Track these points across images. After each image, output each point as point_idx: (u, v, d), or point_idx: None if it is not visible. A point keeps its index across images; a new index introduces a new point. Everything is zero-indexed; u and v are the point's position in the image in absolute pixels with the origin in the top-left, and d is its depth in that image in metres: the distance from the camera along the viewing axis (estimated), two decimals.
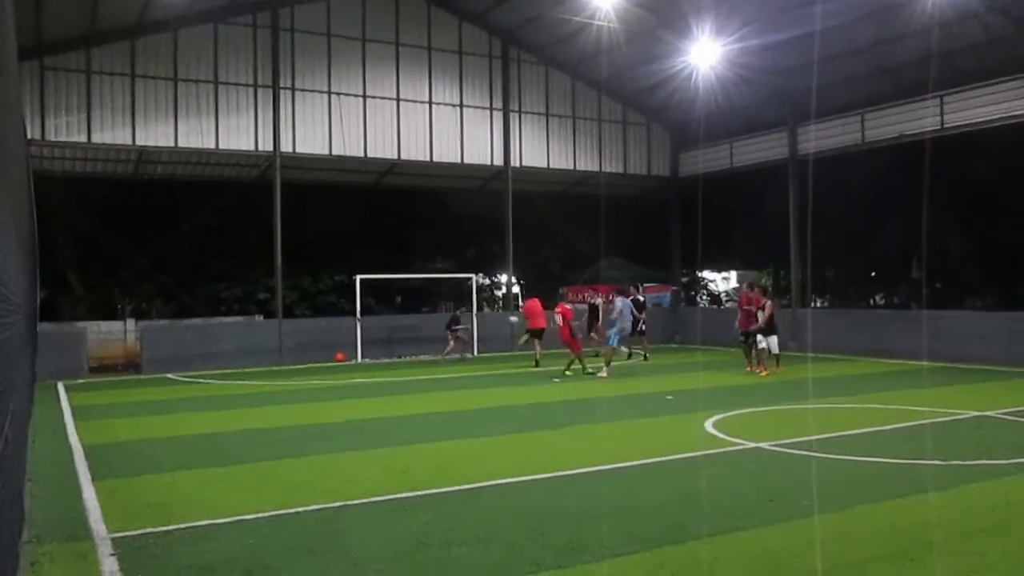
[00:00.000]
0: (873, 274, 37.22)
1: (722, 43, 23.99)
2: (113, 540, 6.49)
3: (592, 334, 23.06)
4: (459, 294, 32.47)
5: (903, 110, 24.16)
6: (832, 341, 23.32)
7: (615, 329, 18.55)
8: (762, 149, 28.92)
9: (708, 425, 11.53)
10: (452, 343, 24.80)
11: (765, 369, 18.32)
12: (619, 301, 18.86)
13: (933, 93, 22.53)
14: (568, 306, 21.02)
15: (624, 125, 31.11)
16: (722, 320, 25.16)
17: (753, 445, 10.07)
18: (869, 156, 25.90)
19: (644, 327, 22.62)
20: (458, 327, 25.11)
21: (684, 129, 30.96)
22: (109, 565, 5.88)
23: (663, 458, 9.41)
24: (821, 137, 26.34)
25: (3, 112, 4.86)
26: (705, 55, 24.59)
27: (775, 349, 18.46)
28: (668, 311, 31.61)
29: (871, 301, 37.46)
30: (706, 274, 43.00)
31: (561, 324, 19.69)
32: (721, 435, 10.80)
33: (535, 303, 21.82)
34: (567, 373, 18.85)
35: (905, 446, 9.94)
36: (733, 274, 45.54)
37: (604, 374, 18.29)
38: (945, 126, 22.87)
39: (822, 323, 25.67)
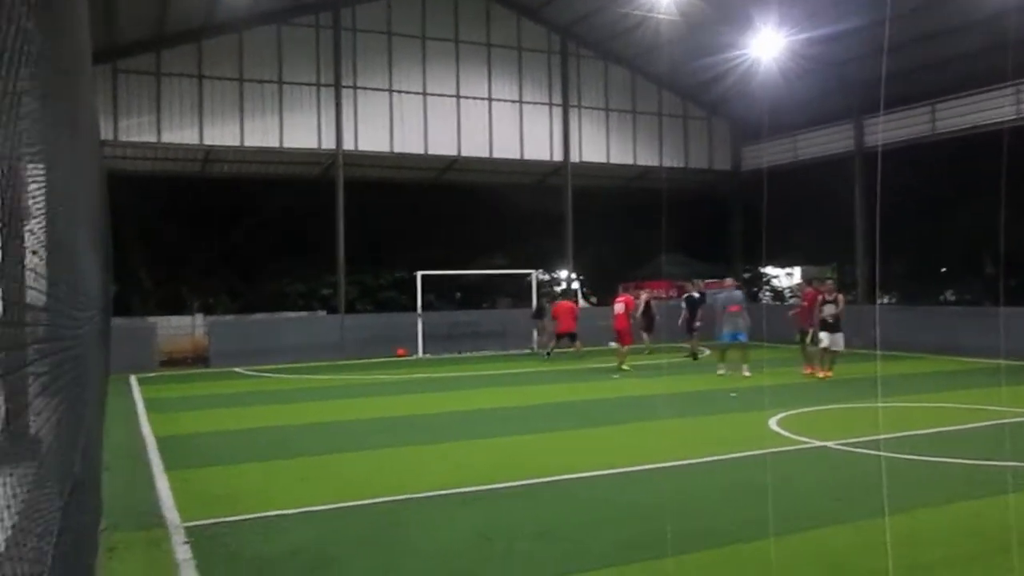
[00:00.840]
0: (944, 270, 36.14)
1: (785, 34, 23.56)
2: (186, 529, 6.68)
3: (644, 333, 22.72)
4: (518, 290, 32.47)
5: (976, 100, 23.41)
6: (900, 338, 22.65)
7: (730, 326, 17.37)
8: (826, 142, 28.33)
9: (773, 423, 11.35)
10: (539, 334, 24.88)
11: (825, 370, 16.93)
12: (727, 293, 17.90)
13: (1009, 82, 21.78)
14: (631, 296, 20.96)
15: (685, 119, 30.77)
16: (785, 316, 24.69)
17: (819, 444, 9.89)
18: (939, 148, 25.16)
19: (699, 324, 21.22)
20: (544, 318, 24.95)
21: (746, 122, 30.48)
22: (183, 553, 6.05)
23: (727, 456, 9.30)
24: (888, 129, 25.66)
25: (80, 115, 5.03)
26: (767, 46, 24.18)
27: (840, 346, 16.91)
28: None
29: (941, 297, 36.36)
30: (769, 270, 42.24)
31: (621, 312, 19.58)
32: (786, 433, 10.63)
33: (566, 305, 21.93)
34: (623, 368, 18.73)
35: (978, 446, 9.64)
36: (797, 270, 44.65)
37: (747, 372, 17.11)
38: (1022, 115, 22.08)
39: (889, 319, 24.96)
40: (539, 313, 25.41)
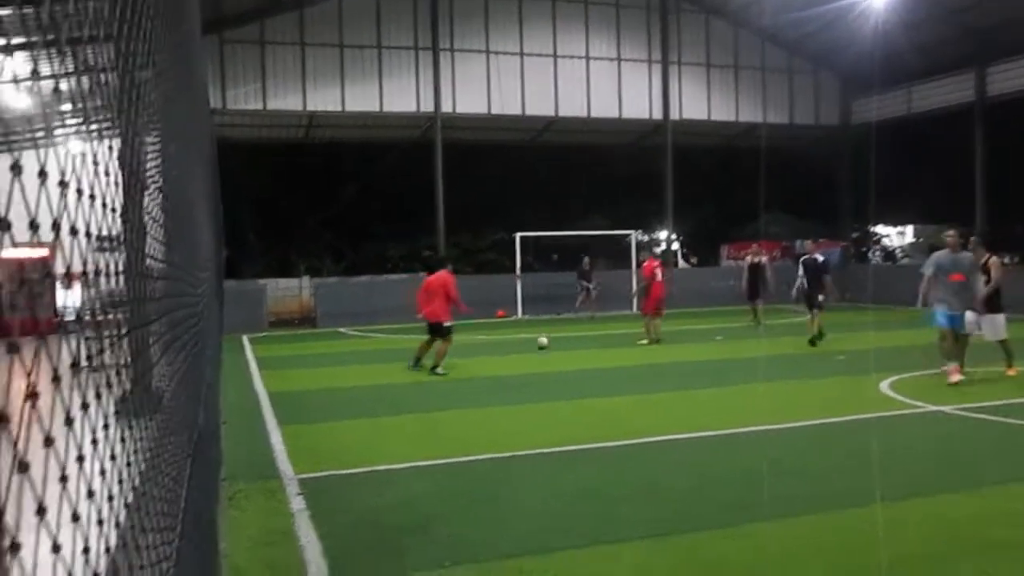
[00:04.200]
0: None
1: None
2: (299, 481, 6.95)
3: (757, 300, 19.75)
4: (618, 251, 32.22)
5: None
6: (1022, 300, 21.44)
7: (947, 304, 11.06)
8: (944, 93, 26.86)
9: (884, 387, 10.97)
10: (582, 297, 24.31)
11: (1012, 367, 11.60)
12: (946, 255, 11.21)
13: None
14: (652, 262, 17.83)
15: (790, 73, 29.67)
16: (896, 277, 23.73)
17: (934, 408, 9.50)
18: None
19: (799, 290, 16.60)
20: (586, 281, 24.34)
21: (855, 75, 29.12)
22: (297, 504, 6.30)
23: (836, 419, 9.05)
24: (1014, 77, 24.12)
25: (193, 85, 5.19)
26: None
27: (1000, 334, 11.56)
28: (838, 268, 30.14)
29: None
30: (879, 229, 40.61)
31: (660, 279, 17.42)
32: (899, 397, 10.25)
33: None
34: (641, 342, 17.17)
35: None
36: (909, 229, 42.78)
37: (955, 376, 11.00)
38: None
39: (1013, 281, 23.69)
40: (582, 275, 24.57)
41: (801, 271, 16.52)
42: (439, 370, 13.23)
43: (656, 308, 17.14)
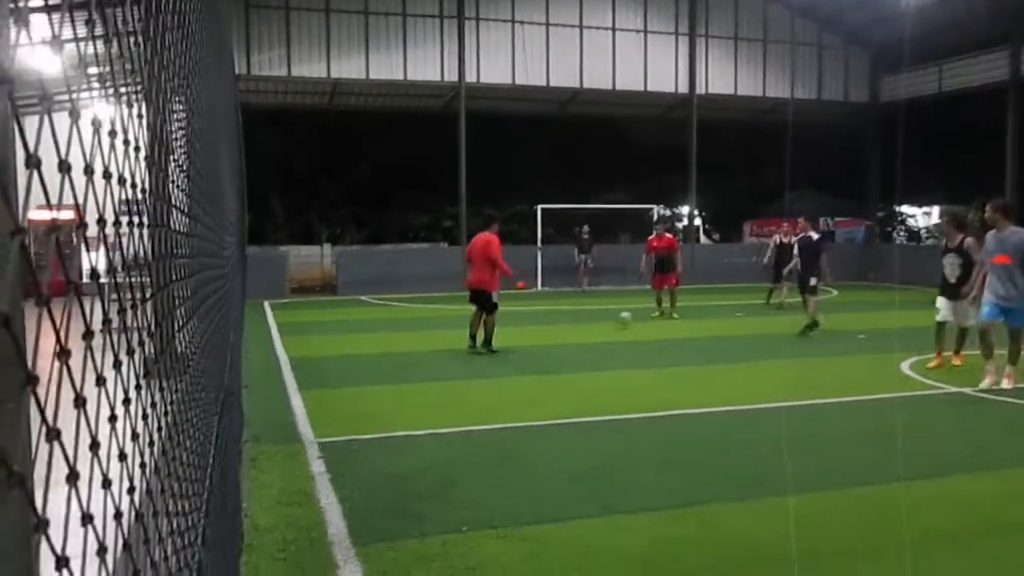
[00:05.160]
0: None
1: None
2: (320, 444, 7.04)
3: (781, 282, 18.31)
4: (640, 226, 32.09)
5: None
6: None
7: (995, 292, 9.41)
8: (977, 71, 26.37)
9: (904, 367, 10.91)
10: (583, 269, 24.29)
11: (959, 354, 10.89)
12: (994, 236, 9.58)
13: None
14: (657, 236, 17.46)
15: (819, 48, 29.24)
16: (921, 257, 23.51)
17: (955, 389, 9.45)
18: None
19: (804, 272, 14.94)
20: (585, 253, 24.29)
21: (886, 51, 28.64)
22: (318, 467, 6.39)
23: (855, 398, 9.03)
24: None
25: (219, 50, 5.20)
26: None
27: (963, 321, 10.73)
28: (861, 247, 29.90)
29: None
30: (904, 208, 40.15)
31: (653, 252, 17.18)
32: (919, 377, 10.20)
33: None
34: (654, 315, 17.04)
35: None
36: (935, 209, 42.27)
37: (1009, 384, 9.32)
38: None
39: None
40: (580, 248, 24.48)
41: (796, 251, 15.33)
42: (493, 346, 12.06)
43: (660, 282, 16.98)
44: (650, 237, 17.78)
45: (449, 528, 5.03)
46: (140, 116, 1.28)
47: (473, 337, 12.32)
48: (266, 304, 20.22)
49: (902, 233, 39.41)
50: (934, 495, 5.73)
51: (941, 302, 10.84)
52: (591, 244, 24.55)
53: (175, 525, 1.44)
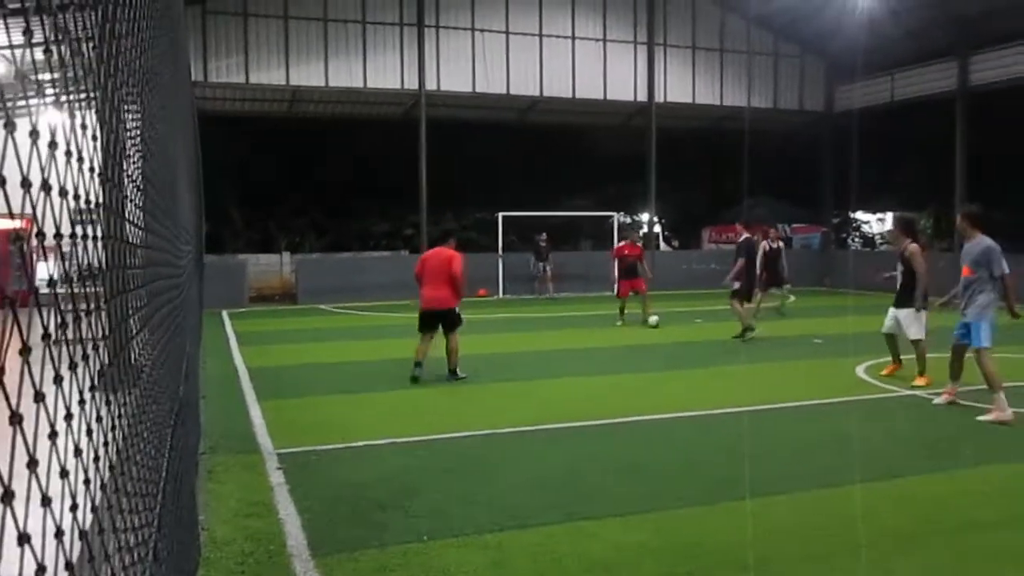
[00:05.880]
0: None
1: None
2: (279, 455, 6.96)
3: (773, 288, 18.05)
4: (600, 233, 32.29)
5: None
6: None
7: (988, 318, 8.53)
8: (927, 81, 26.96)
9: (859, 371, 11.10)
10: (543, 277, 24.30)
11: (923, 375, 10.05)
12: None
13: None
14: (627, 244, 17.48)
15: (775, 57, 29.67)
16: (875, 264, 23.89)
17: (908, 392, 9.64)
18: None
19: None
20: (543, 260, 24.31)
21: (840, 61, 29.16)
22: (277, 478, 6.31)
23: (812, 402, 9.17)
24: (995, 67, 24.28)
25: (174, 57, 5.14)
26: None
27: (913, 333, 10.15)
28: (818, 253, 30.38)
29: None
30: (859, 215, 40.91)
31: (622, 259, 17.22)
32: (873, 381, 10.39)
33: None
34: (618, 324, 16.98)
35: None
36: (889, 215, 43.13)
37: (993, 415, 8.16)
38: None
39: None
40: (538, 255, 24.50)
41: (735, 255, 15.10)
42: (460, 373, 10.67)
43: (627, 289, 17.07)
44: (621, 244, 17.95)
45: (410, 537, 5.00)
46: (84, 127, 1.25)
47: (419, 364, 10.69)
48: (224, 313, 19.96)
49: (857, 239, 40.15)
50: (889, 496, 5.83)
51: (889, 312, 10.52)
52: (548, 252, 24.64)
53: (124, 542, 1.41)
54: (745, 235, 15.39)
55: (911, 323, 10.16)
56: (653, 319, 16.27)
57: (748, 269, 14.86)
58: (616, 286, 17.47)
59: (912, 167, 30.62)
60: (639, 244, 17.98)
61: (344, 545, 4.90)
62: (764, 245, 18.14)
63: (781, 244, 19.28)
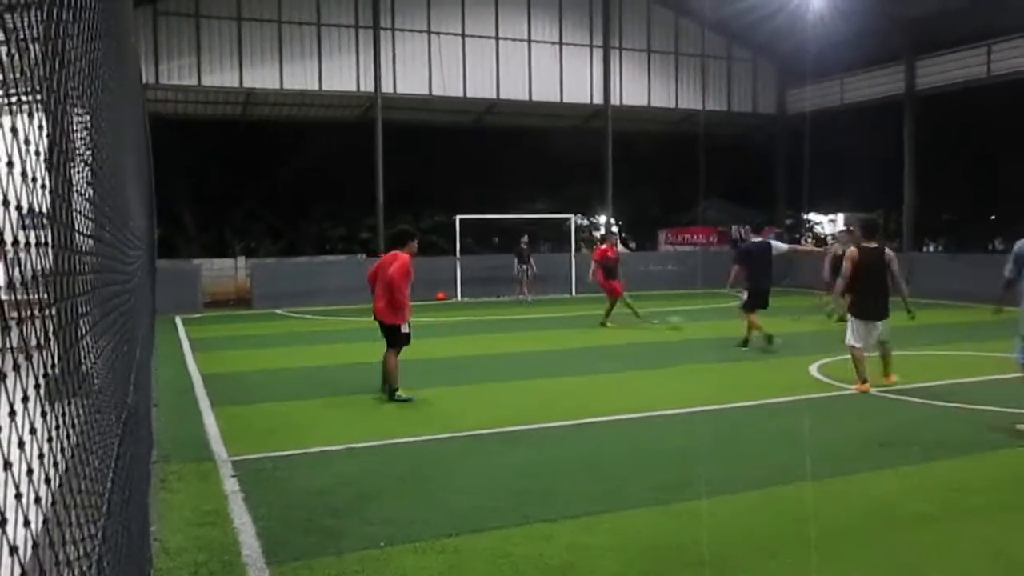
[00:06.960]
0: (993, 217, 35.31)
1: None
2: (233, 463, 6.86)
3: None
4: (558, 235, 32.39)
5: None
6: (947, 287, 22.22)
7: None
8: (876, 84, 27.61)
9: (813, 369, 11.28)
10: (525, 279, 24.07)
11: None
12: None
13: None
14: (609, 247, 17.81)
15: (729, 61, 30.10)
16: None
17: (855, 390, 9.80)
18: (994, 92, 24.35)
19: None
20: (524, 263, 24.09)
21: (792, 65, 29.72)
22: (231, 485, 6.22)
23: (766, 400, 9.29)
24: (941, 71, 24.89)
25: (124, 57, 5.05)
26: None
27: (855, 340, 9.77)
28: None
29: (990, 246, 35.58)
30: (812, 216, 41.61)
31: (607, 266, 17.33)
32: (827, 379, 10.56)
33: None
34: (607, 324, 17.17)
35: None
36: (840, 216, 43.94)
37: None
38: None
39: (937, 268, 24.56)
40: (520, 258, 24.16)
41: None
42: (400, 394, 9.50)
43: (620, 289, 17.33)
44: (603, 247, 18.06)
45: (366, 544, 4.96)
46: (14, 131, 1.22)
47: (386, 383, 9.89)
48: (178, 319, 19.64)
49: (810, 240, 40.80)
50: (840, 492, 5.93)
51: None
52: (529, 254, 24.46)
53: (63, 556, 1.38)
54: (755, 238, 14.76)
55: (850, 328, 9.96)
56: (674, 319, 16.89)
57: (754, 274, 13.81)
58: (606, 287, 17.50)
59: (863, 169, 31.22)
60: (616, 247, 18.56)
61: (300, 553, 4.84)
62: (837, 248, 16.65)
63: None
